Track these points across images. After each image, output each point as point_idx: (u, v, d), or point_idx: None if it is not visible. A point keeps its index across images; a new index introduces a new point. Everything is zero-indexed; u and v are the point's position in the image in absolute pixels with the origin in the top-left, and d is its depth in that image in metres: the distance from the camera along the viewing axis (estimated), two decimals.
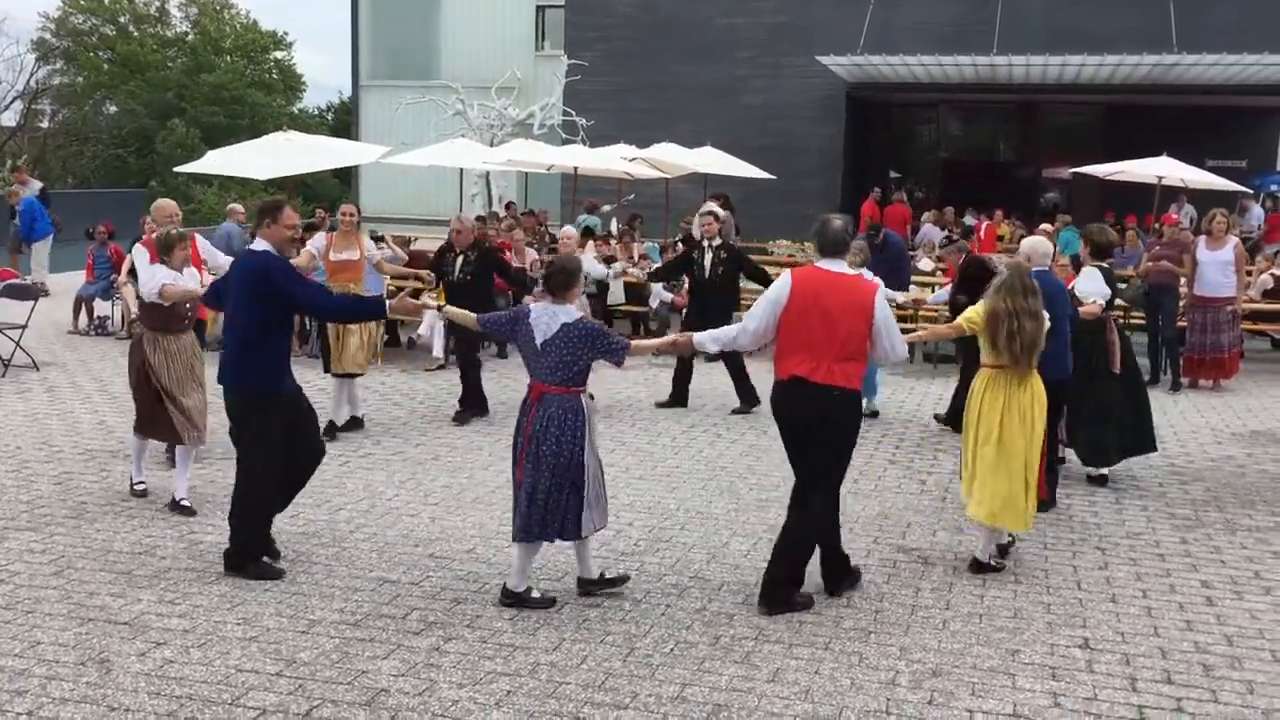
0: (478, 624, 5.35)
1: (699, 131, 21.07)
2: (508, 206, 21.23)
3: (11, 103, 47.23)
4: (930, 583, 6.07)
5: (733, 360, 10.41)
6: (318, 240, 9.73)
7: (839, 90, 24.96)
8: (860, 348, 5.59)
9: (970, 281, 9.64)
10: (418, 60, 33.05)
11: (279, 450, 5.92)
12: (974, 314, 6.30)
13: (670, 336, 6.34)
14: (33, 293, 12.63)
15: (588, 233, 17.61)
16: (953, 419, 9.58)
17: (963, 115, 29.52)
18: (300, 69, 53.13)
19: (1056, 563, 6.43)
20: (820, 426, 5.56)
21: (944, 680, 4.89)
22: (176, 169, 16.59)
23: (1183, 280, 12.13)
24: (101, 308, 14.57)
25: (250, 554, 5.93)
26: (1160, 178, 16.12)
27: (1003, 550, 6.37)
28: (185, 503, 6.98)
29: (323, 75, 75.72)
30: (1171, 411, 10.86)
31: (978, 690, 4.81)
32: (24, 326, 11.80)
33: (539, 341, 5.48)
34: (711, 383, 11.78)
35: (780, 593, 5.61)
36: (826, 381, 5.51)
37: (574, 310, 5.58)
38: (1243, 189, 18.29)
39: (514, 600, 5.58)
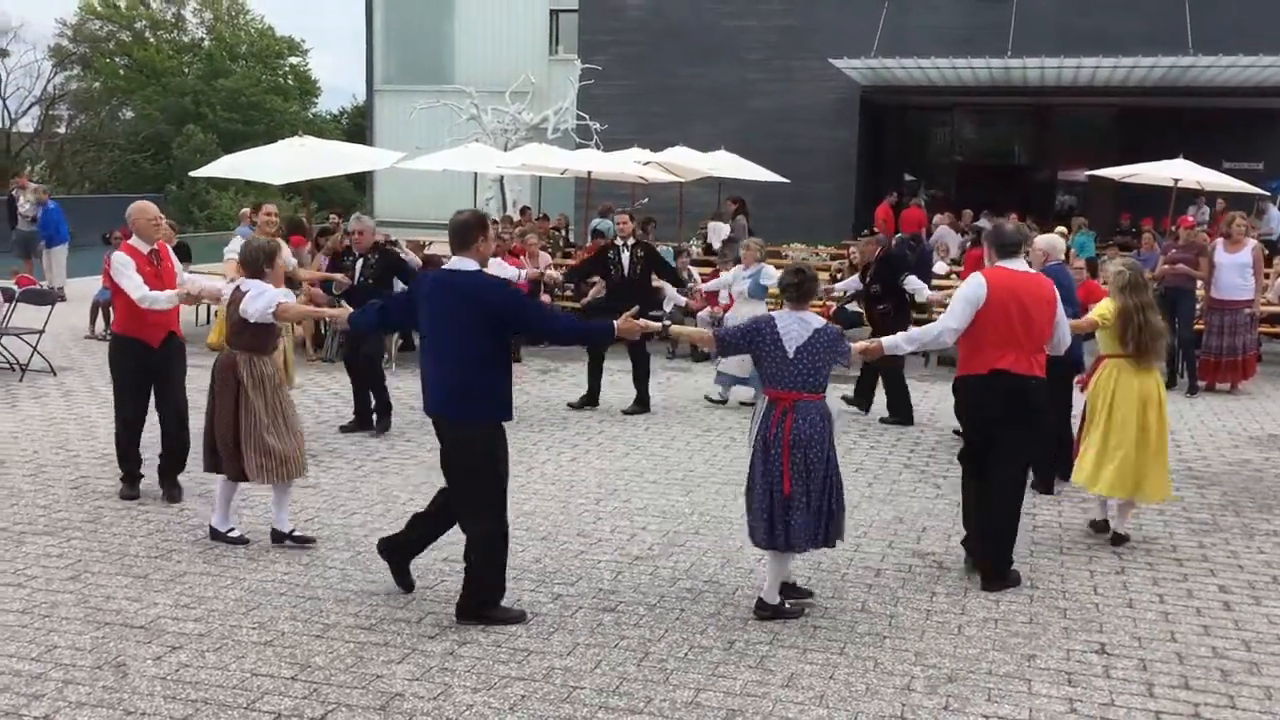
0: (492, 628, 5.35)
1: (712, 135, 21.09)
2: (523, 211, 21.27)
3: (29, 109, 47.60)
4: (945, 587, 6.05)
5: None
6: (233, 246, 8.70)
7: (852, 93, 24.94)
8: (1046, 339, 6.08)
9: (886, 277, 10.43)
10: (432, 65, 33.16)
11: (507, 482, 5.49)
12: (1106, 310, 6.82)
13: (861, 343, 6.20)
14: (50, 298, 12.71)
15: (598, 236, 17.63)
16: (861, 400, 10.52)
17: (977, 118, 29.45)
18: (314, 73, 53.43)
19: (1073, 568, 6.40)
20: (1021, 415, 6.01)
21: (959, 686, 4.87)
22: (192, 173, 16.68)
23: (1199, 283, 12.07)
24: None
25: (499, 597, 5.47)
26: (1176, 180, 16.05)
27: (1101, 526, 7.02)
28: (298, 533, 6.46)
29: (335, 78, 76.07)
30: (1188, 415, 10.80)
31: (993, 696, 4.79)
32: (41, 331, 11.86)
33: (791, 350, 5.43)
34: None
35: (1005, 572, 6.09)
36: (1028, 373, 5.98)
37: (818, 315, 5.63)
38: (1260, 191, 18.21)
39: (772, 613, 5.53)
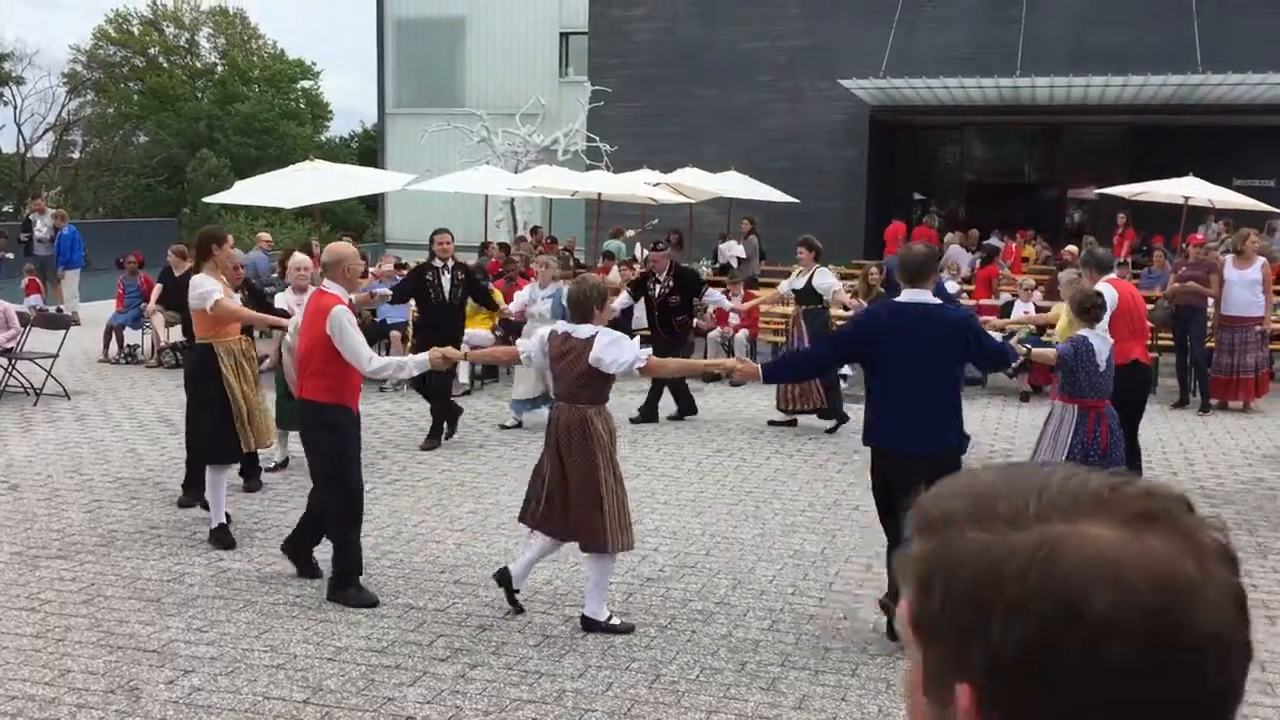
0: (503, 651, 5.35)
1: (722, 156, 21.14)
2: (533, 231, 21.36)
3: (44, 134, 48.00)
4: None
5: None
6: (210, 283, 7.15)
7: (861, 113, 24.98)
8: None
9: (686, 290, 11.27)
10: (443, 88, 33.34)
11: None
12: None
13: (1042, 350, 6.96)
14: (64, 322, 12.79)
15: (609, 257, 17.70)
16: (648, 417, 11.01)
17: (987, 137, 29.44)
18: (326, 95, 53.75)
19: None
20: (1142, 397, 7.44)
21: None
22: (205, 199, 16.83)
23: (1210, 300, 12.05)
24: (131, 336, 14.74)
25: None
26: (1186, 198, 16.03)
27: None
28: (615, 621, 5.68)
29: (347, 101, 76.42)
30: (1201, 433, 10.76)
31: None
32: (55, 356, 11.94)
33: (1102, 364, 6.38)
34: (735, 406, 11.78)
35: None
36: (1147, 361, 7.61)
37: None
38: (1271, 209, 18.17)
39: None
